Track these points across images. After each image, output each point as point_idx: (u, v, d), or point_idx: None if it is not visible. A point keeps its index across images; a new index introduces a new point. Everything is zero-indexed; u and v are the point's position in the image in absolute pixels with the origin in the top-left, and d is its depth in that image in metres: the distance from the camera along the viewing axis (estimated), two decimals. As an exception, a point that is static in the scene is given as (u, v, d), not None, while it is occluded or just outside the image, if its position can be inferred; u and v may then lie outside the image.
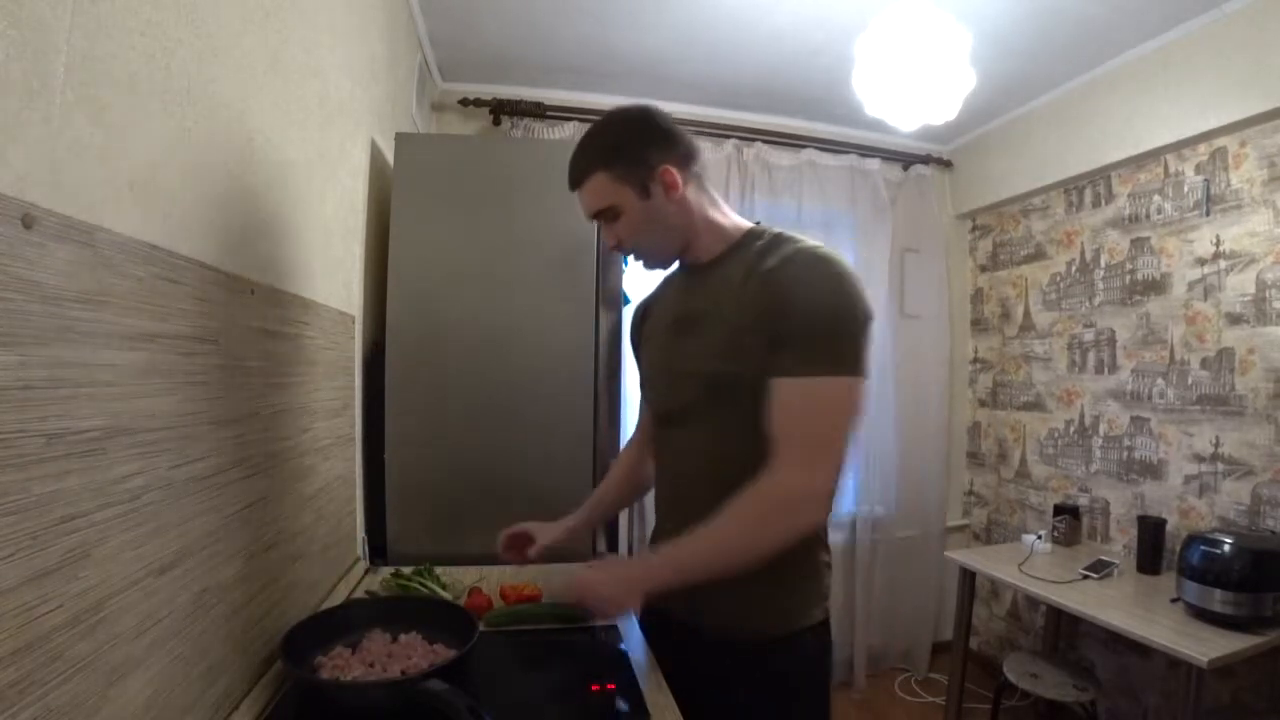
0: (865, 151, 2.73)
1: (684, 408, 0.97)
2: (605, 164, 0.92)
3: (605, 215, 0.94)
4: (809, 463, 0.83)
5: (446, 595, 1.22)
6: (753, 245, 0.94)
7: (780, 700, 0.92)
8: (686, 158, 0.94)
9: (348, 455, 1.42)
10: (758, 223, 1.01)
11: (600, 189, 0.92)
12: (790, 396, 0.84)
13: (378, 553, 1.55)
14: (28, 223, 0.48)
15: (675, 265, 1.09)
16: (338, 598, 1.22)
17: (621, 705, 0.91)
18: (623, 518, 1.77)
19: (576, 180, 0.95)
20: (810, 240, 0.92)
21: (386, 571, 1.33)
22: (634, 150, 0.91)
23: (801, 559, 0.93)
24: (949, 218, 2.96)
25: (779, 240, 0.93)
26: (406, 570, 1.28)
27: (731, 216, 1.00)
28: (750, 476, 0.85)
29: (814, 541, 0.95)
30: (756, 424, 0.87)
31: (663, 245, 0.98)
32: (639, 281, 2.00)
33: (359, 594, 1.28)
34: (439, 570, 1.29)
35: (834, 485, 0.86)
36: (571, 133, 2.37)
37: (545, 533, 1.20)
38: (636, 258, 1.00)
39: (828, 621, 0.96)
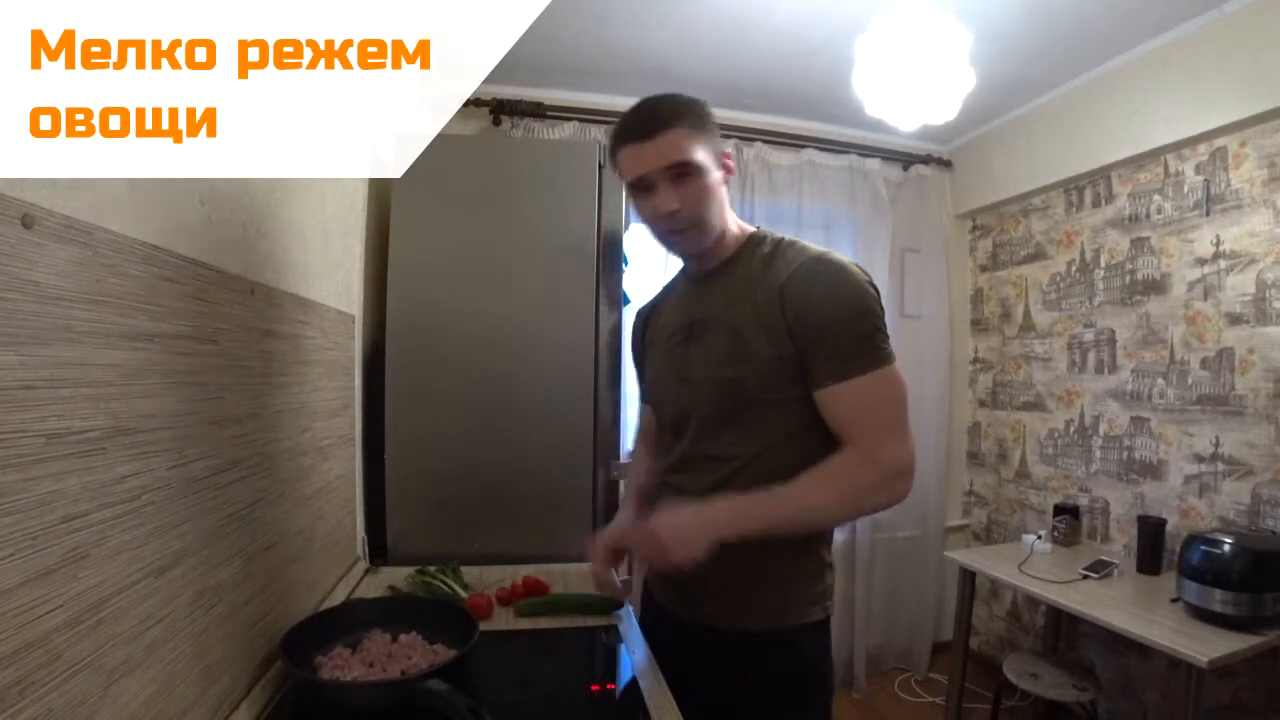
0: (865, 151, 2.73)
1: (693, 414, 0.96)
2: (692, 125, 0.89)
3: (679, 170, 0.88)
4: (895, 441, 0.85)
5: (463, 595, 1.23)
6: (757, 251, 0.95)
7: (781, 701, 0.91)
8: None
9: (348, 455, 1.42)
10: (758, 228, 1.01)
11: (684, 142, 0.88)
12: (852, 396, 0.85)
13: (378, 553, 1.55)
14: (28, 223, 0.48)
15: (678, 270, 1.09)
16: (338, 598, 1.22)
17: (621, 705, 0.91)
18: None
19: (662, 125, 0.87)
20: (812, 246, 0.94)
21: (409, 569, 1.35)
22: (714, 125, 0.92)
23: (804, 556, 0.94)
24: (949, 218, 2.96)
25: (783, 246, 0.95)
26: (431, 569, 1.30)
27: (737, 221, 1.01)
28: (759, 480, 0.86)
29: (817, 539, 0.95)
30: (763, 428, 0.89)
31: (713, 226, 0.93)
32: (639, 282, 2.00)
33: (377, 591, 1.28)
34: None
35: (914, 460, 0.87)
36: (571, 133, 2.37)
37: (616, 537, 1.05)
38: (683, 233, 0.93)
39: (829, 621, 0.96)
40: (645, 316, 1.15)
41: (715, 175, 0.91)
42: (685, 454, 0.98)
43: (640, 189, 0.91)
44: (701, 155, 0.89)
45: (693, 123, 0.89)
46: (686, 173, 0.88)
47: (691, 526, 0.84)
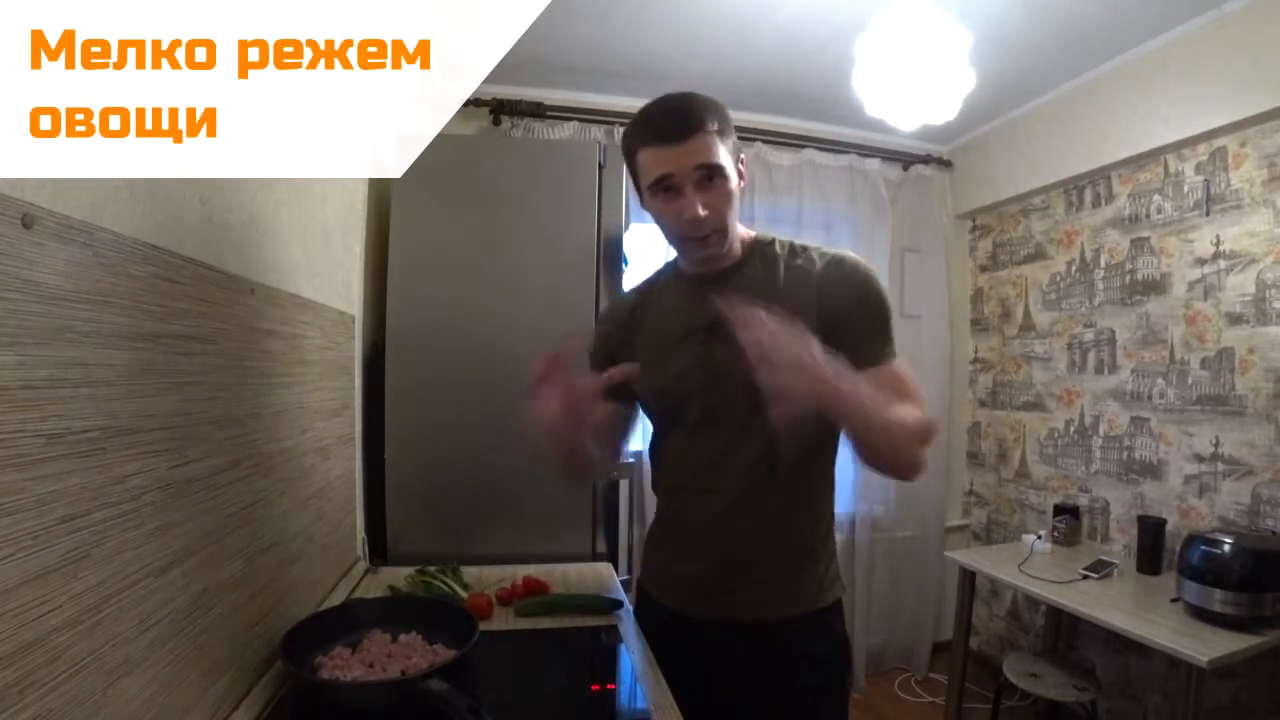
0: (865, 151, 2.72)
1: (721, 409, 0.94)
2: (719, 129, 0.87)
3: (707, 173, 0.87)
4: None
5: (463, 595, 1.23)
6: (772, 250, 0.98)
7: (815, 683, 0.95)
8: None
9: (348, 455, 1.42)
10: (758, 231, 1.02)
11: (714, 146, 0.87)
12: (893, 376, 0.89)
13: (378, 553, 1.55)
14: (28, 223, 0.48)
15: (664, 269, 1.09)
16: (338, 598, 1.22)
17: (621, 705, 0.91)
18: (623, 518, 1.77)
19: (694, 127, 0.85)
20: (825, 246, 0.99)
21: (409, 569, 1.34)
22: (733, 128, 0.91)
23: (823, 541, 0.99)
24: (949, 218, 2.95)
25: (796, 247, 0.98)
26: (431, 569, 1.30)
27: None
28: (784, 470, 0.92)
29: (832, 522, 1.02)
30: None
31: (733, 231, 0.94)
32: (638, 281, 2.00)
33: (377, 591, 1.28)
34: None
35: None
36: (571, 133, 2.37)
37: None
38: (705, 239, 0.91)
39: (843, 602, 1.01)
40: (631, 307, 1.08)
41: (735, 180, 0.90)
42: (715, 451, 0.95)
43: (662, 189, 0.88)
44: (726, 159, 0.88)
45: (720, 125, 0.87)
46: (713, 176, 0.87)
47: (810, 370, 0.71)
